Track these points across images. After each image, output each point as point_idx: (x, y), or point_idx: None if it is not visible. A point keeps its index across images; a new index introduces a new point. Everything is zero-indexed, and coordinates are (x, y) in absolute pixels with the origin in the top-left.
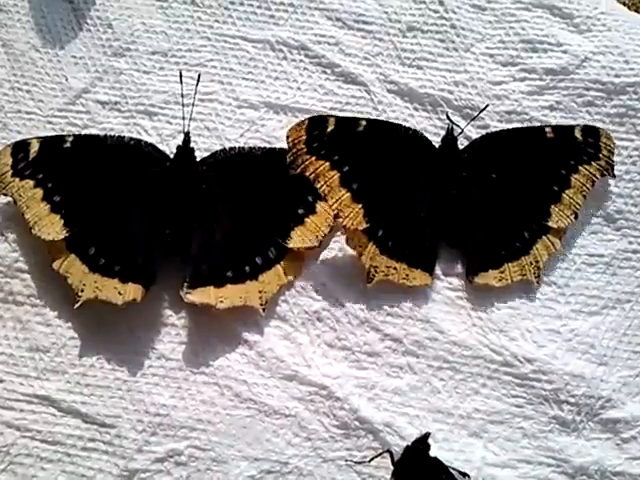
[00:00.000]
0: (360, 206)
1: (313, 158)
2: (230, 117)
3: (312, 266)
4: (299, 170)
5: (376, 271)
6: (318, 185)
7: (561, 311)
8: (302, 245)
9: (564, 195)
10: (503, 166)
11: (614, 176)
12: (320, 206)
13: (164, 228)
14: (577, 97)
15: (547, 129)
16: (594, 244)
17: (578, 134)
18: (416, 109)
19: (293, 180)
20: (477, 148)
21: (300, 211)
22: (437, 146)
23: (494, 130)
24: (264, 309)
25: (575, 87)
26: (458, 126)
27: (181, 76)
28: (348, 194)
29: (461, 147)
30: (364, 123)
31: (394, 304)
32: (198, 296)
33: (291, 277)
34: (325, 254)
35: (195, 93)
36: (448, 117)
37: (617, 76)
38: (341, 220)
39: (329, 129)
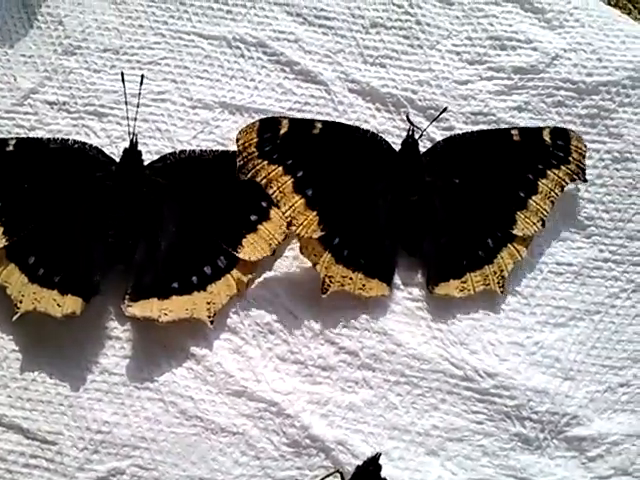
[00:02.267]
0: (315, 213)
1: (265, 162)
2: (183, 118)
3: (265, 276)
4: (249, 175)
5: (331, 281)
6: (270, 191)
7: (526, 323)
8: (254, 254)
9: (531, 201)
10: (467, 170)
11: (585, 180)
12: (274, 212)
13: (107, 236)
14: (547, 97)
15: (513, 131)
16: (562, 252)
17: (547, 137)
18: (378, 109)
19: (246, 185)
20: (440, 151)
21: (253, 218)
22: (398, 149)
23: (459, 132)
24: (212, 321)
25: (545, 86)
26: (418, 128)
27: (123, 77)
28: (302, 200)
29: (424, 150)
30: (320, 125)
31: (350, 316)
32: (140, 309)
33: (242, 287)
34: (279, 263)
35: (139, 94)
36: (408, 118)
37: (589, 75)
38: (294, 228)
39: (282, 131)
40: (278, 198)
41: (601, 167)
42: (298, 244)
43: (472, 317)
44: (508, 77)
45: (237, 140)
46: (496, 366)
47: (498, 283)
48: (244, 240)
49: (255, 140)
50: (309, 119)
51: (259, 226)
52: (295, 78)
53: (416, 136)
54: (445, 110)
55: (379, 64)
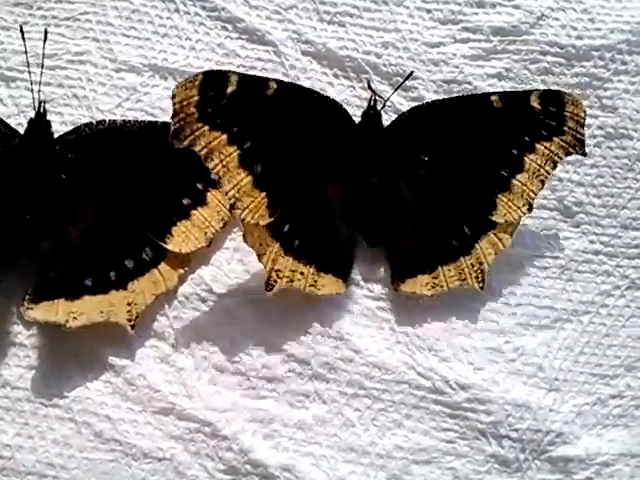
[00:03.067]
0: (264, 195)
1: (206, 128)
2: (105, 83)
3: (199, 271)
4: (186, 142)
5: (279, 276)
6: (211, 164)
7: (504, 325)
8: (186, 245)
9: (515, 181)
10: (437, 146)
11: (584, 154)
12: (212, 196)
13: (7, 224)
14: (531, 63)
15: (493, 97)
16: (547, 243)
17: (535, 102)
18: (336, 76)
19: (178, 162)
20: (405, 124)
21: (185, 202)
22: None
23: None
24: (134, 326)
25: (529, 51)
26: (382, 97)
27: (22, 33)
28: (249, 178)
29: (388, 124)
30: (274, 86)
31: (300, 318)
32: (42, 312)
33: (171, 285)
34: (217, 256)
35: (43, 54)
36: (369, 86)
37: (580, 38)
38: (239, 212)
39: (229, 90)
40: (220, 174)
41: (593, 145)
42: (240, 233)
43: (443, 319)
44: (486, 39)
45: (173, 97)
46: (470, 376)
47: (476, 278)
48: (174, 228)
49: (196, 98)
50: (263, 77)
51: (193, 212)
52: (239, 37)
53: (379, 107)
54: (411, 75)
55: (337, 23)
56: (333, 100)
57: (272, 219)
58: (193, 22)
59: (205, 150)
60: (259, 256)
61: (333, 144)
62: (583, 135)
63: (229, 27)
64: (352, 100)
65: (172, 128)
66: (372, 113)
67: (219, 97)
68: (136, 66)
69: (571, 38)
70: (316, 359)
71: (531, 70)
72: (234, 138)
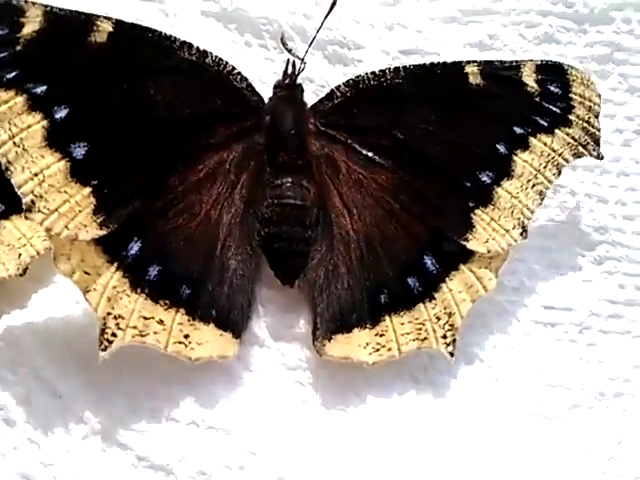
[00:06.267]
0: (88, 191)
1: None
2: None
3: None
4: None
5: (120, 327)
6: None
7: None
8: None
9: (500, 191)
10: (385, 135)
11: (599, 156)
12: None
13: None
14: (526, 27)
15: (469, 68)
16: (553, 288)
17: (529, 78)
18: (248, 44)
19: None
20: (340, 102)
21: None
22: (265, 97)
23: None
24: None
25: (522, 10)
26: (301, 59)
27: None
28: (62, 164)
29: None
30: (109, 28)
31: (160, 397)
32: None
33: None
34: (36, 295)
35: None
36: (284, 44)
37: None
38: (40, 218)
39: (28, 29)
40: (9, 157)
41: (619, 144)
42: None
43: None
44: None
45: None
46: None
47: (443, 338)
48: None
49: None
50: (87, 13)
51: (1, 222)
52: None
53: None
54: (335, 5)
55: None
56: (216, 56)
57: (104, 232)
58: None
59: None
60: (85, 292)
61: (215, 123)
62: (598, 129)
63: None
64: (270, 77)
65: None
66: (289, 83)
67: (10, 39)
68: None
69: None
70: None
71: (526, 37)
72: (38, 102)
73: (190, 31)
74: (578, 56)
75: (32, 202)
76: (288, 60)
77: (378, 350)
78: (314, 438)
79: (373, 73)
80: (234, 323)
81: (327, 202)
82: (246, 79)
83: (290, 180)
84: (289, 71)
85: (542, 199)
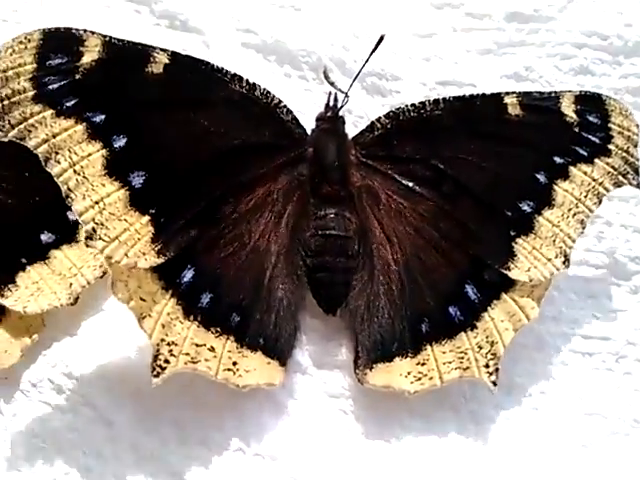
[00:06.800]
0: (146, 219)
1: (48, 112)
2: None
3: (56, 345)
4: (14, 133)
5: (173, 353)
6: (55, 169)
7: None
8: (38, 305)
9: (542, 220)
10: (426, 167)
11: (639, 185)
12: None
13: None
14: (561, 59)
15: (509, 99)
16: (592, 316)
17: (569, 108)
18: (287, 75)
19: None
20: (381, 134)
21: (45, 238)
22: (308, 129)
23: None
24: None
25: (557, 43)
26: (344, 93)
27: None
28: (121, 193)
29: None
30: (165, 59)
31: (213, 424)
32: None
33: (10, 362)
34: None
35: None
36: (327, 77)
37: (629, 25)
38: (101, 245)
39: (87, 59)
40: (70, 185)
41: None
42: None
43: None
44: (498, 28)
45: None
46: None
47: (486, 367)
48: (20, 275)
49: (31, 67)
50: (143, 43)
51: (54, 252)
52: (157, 24)
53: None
54: (382, 40)
55: (292, 6)
56: (266, 90)
57: (161, 260)
58: None
59: (46, 146)
60: (140, 319)
61: (263, 154)
62: (637, 158)
63: (141, 9)
64: (309, 108)
65: None
66: (331, 116)
67: (71, 68)
68: None
69: (617, 25)
70: None
71: (561, 69)
72: (97, 131)
73: (231, 62)
74: (613, 87)
75: (93, 230)
76: (330, 92)
77: (420, 379)
78: (356, 466)
79: (413, 105)
80: (280, 351)
81: (368, 232)
82: (291, 111)
83: (333, 211)
84: (331, 103)
85: (583, 228)
